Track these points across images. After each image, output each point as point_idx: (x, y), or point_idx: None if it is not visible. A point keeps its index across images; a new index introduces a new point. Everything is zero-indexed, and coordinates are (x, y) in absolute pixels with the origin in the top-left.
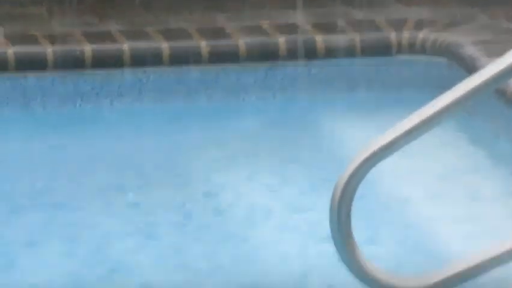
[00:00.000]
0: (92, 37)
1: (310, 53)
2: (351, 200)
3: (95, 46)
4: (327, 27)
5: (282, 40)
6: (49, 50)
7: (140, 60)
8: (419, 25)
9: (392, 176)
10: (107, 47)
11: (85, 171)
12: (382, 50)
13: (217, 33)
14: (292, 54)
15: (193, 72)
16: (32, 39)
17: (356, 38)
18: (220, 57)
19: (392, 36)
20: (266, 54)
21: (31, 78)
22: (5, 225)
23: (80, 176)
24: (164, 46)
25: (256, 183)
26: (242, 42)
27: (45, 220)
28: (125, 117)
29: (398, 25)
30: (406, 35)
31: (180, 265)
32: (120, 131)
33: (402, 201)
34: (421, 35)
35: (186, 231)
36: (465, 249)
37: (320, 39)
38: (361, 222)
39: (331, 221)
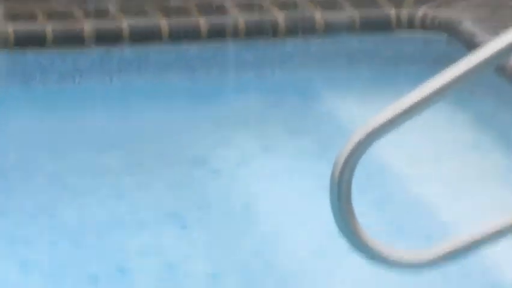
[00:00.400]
0: (91, 15)
1: (309, 29)
2: (351, 176)
3: (94, 23)
4: (326, 4)
5: (281, 16)
6: (48, 28)
7: (139, 38)
8: (418, 1)
9: (389, 155)
10: (107, 24)
11: (84, 147)
12: (382, 26)
13: (216, 9)
14: (291, 30)
15: (192, 49)
16: (32, 17)
17: (355, 14)
18: (219, 33)
19: (392, 12)
20: (265, 31)
21: (30, 55)
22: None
23: (78, 152)
24: (163, 23)
25: (256, 155)
26: (241, 19)
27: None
28: (124, 94)
29: (398, 1)
30: (405, 11)
31: None
32: (119, 107)
33: (400, 178)
34: (420, 11)
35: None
36: (465, 225)
37: (318, 16)
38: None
39: (331, 198)
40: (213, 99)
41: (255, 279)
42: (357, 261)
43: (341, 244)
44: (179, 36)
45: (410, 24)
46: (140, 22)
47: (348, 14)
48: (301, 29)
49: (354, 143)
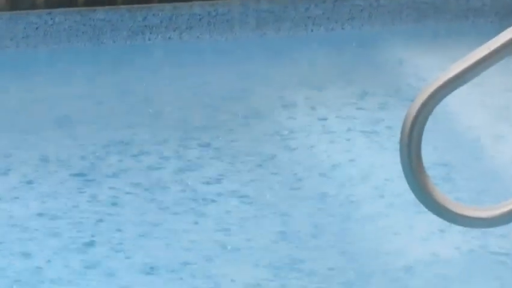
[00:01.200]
0: None
1: None
2: (421, 130)
3: None
4: None
5: None
6: None
7: None
8: None
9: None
10: None
11: (156, 101)
12: None
13: None
14: None
15: (262, 3)
16: None
17: None
18: None
19: None
20: None
21: (100, 12)
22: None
23: (153, 106)
24: None
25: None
26: None
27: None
28: (193, 50)
29: None
30: None
31: None
32: (188, 62)
33: (469, 129)
34: None
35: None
36: None
37: None
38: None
39: (401, 153)
40: (283, 52)
41: None
42: None
43: None
44: None
45: None
46: None
47: None
48: None
49: (424, 99)
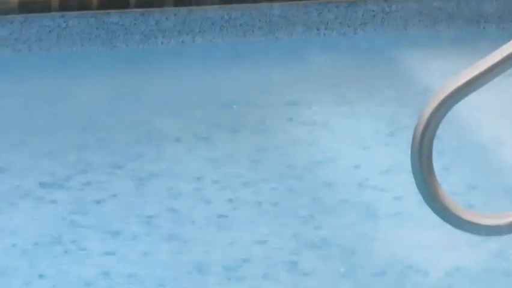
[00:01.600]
0: None
1: None
2: (432, 137)
3: None
4: None
5: None
6: None
7: None
8: None
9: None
10: None
11: (172, 104)
12: None
13: None
14: None
15: (275, 8)
16: None
17: None
18: None
19: None
20: None
21: (114, 15)
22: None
23: (168, 109)
24: None
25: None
26: None
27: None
28: (206, 54)
29: None
30: None
31: None
32: (202, 66)
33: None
34: None
35: None
36: None
37: None
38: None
39: (412, 160)
40: (295, 56)
41: None
42: None
43: None
44: None
45: None
46: None
47: None
48: None
49: (434, 106)
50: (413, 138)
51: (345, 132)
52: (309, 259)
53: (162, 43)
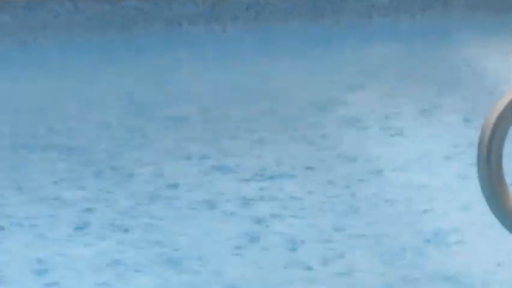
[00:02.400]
0: None
1: None
2: (501, 143)
3: None
4: None
5: None
6: None
7: None
8: None
9: None
10: None
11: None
12: None
13: None
14: None
15: None
16: None
17: None
18: None
19: None
20: None
21: (131, 1)
22: None
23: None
24: None
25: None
26: None
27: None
28: (237, 42)
29: None
30: None
31: None
32: (232, 55)
33: None
34: None
35: None
36: None
37: None
38: None
39: (479, 168)
40: (342, 47)
41: None
42: None
43: None
44: None
45: None
46: None
47: None
48: None
49: (501, 110)
50: (479, 146)
51: (398, 127)
52: None
53: (187, 31)
